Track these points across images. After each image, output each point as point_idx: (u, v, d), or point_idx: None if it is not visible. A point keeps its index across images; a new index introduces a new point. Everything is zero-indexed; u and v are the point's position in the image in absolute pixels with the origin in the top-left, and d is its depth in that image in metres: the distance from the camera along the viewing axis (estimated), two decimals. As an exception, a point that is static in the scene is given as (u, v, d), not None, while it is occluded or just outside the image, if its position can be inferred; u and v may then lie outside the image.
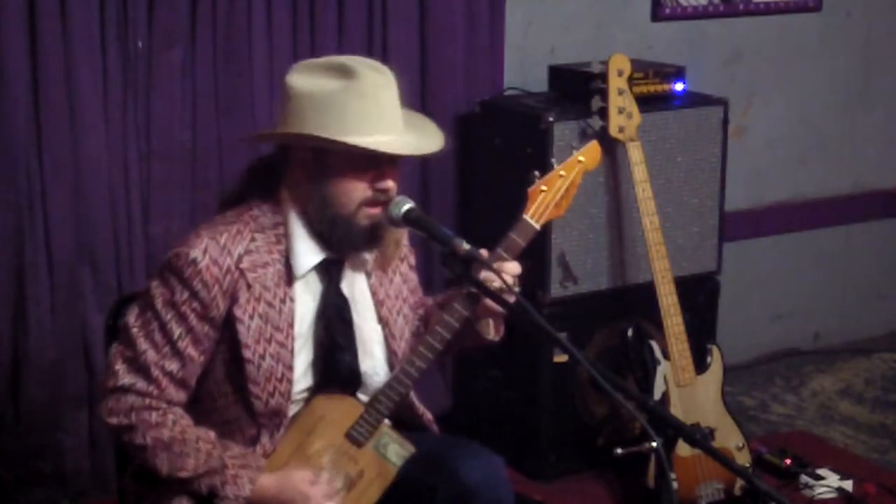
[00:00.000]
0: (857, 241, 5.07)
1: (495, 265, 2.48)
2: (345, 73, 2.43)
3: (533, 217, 2.57)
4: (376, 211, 2.47)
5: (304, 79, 2.45)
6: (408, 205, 2.49)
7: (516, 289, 2.50)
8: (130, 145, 3.60)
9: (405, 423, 2.69)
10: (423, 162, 3.98)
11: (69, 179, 3.53)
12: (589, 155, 2.65)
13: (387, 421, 2.60)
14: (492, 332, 2.63)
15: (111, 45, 3.51)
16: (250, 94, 3.69)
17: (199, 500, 2.48)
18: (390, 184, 2.46)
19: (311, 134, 2.41)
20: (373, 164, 2.43)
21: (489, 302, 2.51)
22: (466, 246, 2.42)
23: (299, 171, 2.49)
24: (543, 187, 2.58)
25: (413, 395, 2.69)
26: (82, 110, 3.50)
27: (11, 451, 3.61)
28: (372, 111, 2.42)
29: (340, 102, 2.41)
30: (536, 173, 2.61)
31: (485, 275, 2.46)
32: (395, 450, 2.56)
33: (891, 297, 5.21)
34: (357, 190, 2.45)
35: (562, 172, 2.60)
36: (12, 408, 3.60)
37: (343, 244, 2.50)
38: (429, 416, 2.75)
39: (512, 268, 2.53)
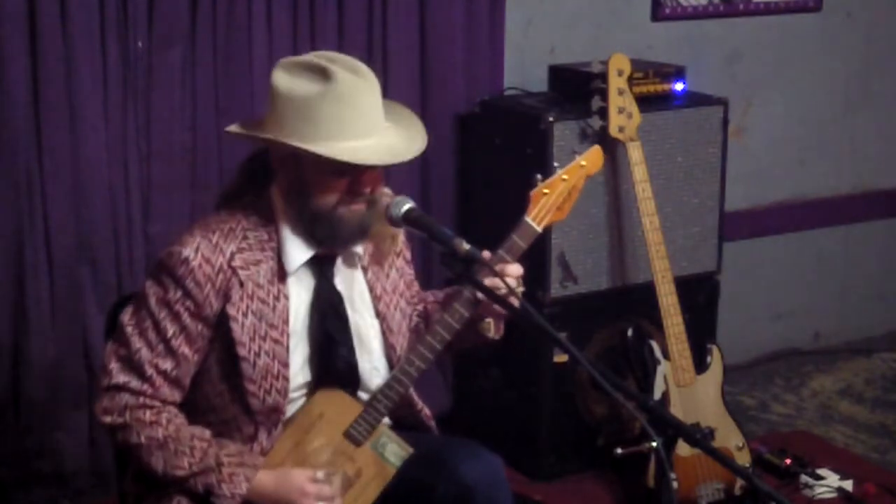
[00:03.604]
0: (857, 241, 5.07)
1: (497, 268, 2.48)
2: (322, 75, 2.41)
3: (535, 219, 2.57)
4: (359, 206, 2.47)
5: (285, 79, 2.44)
6: (408, 205, 2.50)
7: (519, 289, 2.51)
8: (130, 145, 3.60)
9: (403, 419, 2.70)
10: (423, 162, 3.97)
11: (69, 179, 3.53)
12: (591, 159, 2.66)
13: (386, 421, 2.61)
14: (492, 331, 2.63)
15: (111, 45, 3.51)
16: (250, 94, 3.69)
17: (198, 500, 2.48)
18: (367, 189, 2.46)
19: (285, 141, 2.42)
20: (349, 169, 2.42)
21: (491, 303, 2.51)
22: (466, 246, 2.43)
23: (281, 172, 2.50)
24: (545, 190, 2.59)
25: (412, 391, 2.68)
26: (82, 110, 3.50)
27: (11, 451, 3.61)
28: (347, 116, 2.40)
29: (315, 108, 2.40)
30: (539, 176, 2.62)
31: (487, 278, 2.46)
32: (394, 450, 2.56)
33: (891, 297, 5.21)
34: (334, 193, 2.44)
35: (564, 176, 2.61)
36: (12, 408, 3.60)
37: (329, 241, 2.51)
38: (427, 412, 2.75)
39: (514, 270, 2.53)
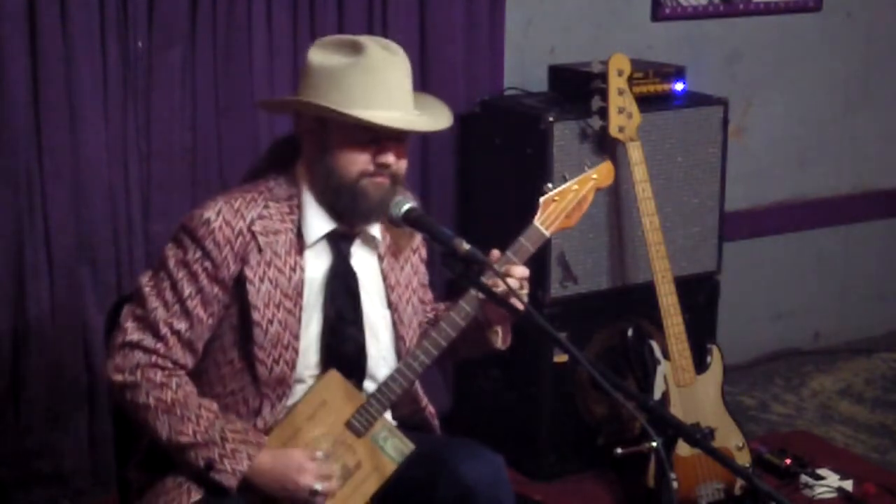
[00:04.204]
0: (857, 241, 5.07)
1: (503, 269, 2.49)
2: (355, 49, 2.48)
3: (543, 224, 2.62)
4: (382, 180, 2.50)
5: (318, 53, 2.51)
6: (408, 204, 2.52)
7: (524, 291, 2.52)
8: (130, 145, 3.60)
9: (407, 417, 2.71)
10: (424, 161, 3.98)
11: (69, 179, 3.53)
12: (602, 173, 2.73)
13: (389, 417, 2.61)
14: (500, 340, 2.65)
15: (111, 45, 3.51)
16: (250, 94, 3.69)
17: (200, 481, 2.48)
18: (391, 158, 2.49)
19: (311, 102, 2.47)
20: (373, 138, 2.47)
21: (496, 305, 2.52)
22: (466, 246, 2.44)
23: (307, 141, 2.54)
24: (556, 198, 2.64)
25: (418, 386, 2.70)
26: (82, 110, 3.50)
27: (11, 451, 3.61)
28: (374, 86, 2.46)
29: (344, 76, 2.45)
30: (550, 185, 2.67)
31: (491, 279, 2.47)
32: (395, 445, 2.56)
33: (891, 297, 5.21)
34: (358, 162, 2.48)
35: (574, 186, 2.68)
36: (12, 408, 3.60)
37: (349, 213, 2.53)
38: (431, 409, 2.76)
39: (520, 272, 2.54)
